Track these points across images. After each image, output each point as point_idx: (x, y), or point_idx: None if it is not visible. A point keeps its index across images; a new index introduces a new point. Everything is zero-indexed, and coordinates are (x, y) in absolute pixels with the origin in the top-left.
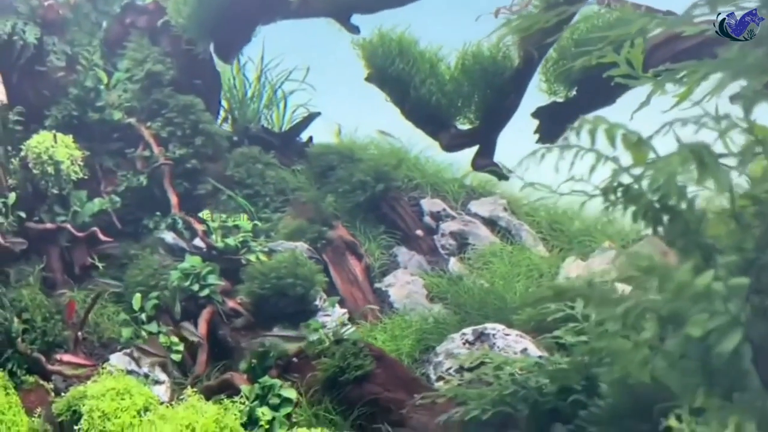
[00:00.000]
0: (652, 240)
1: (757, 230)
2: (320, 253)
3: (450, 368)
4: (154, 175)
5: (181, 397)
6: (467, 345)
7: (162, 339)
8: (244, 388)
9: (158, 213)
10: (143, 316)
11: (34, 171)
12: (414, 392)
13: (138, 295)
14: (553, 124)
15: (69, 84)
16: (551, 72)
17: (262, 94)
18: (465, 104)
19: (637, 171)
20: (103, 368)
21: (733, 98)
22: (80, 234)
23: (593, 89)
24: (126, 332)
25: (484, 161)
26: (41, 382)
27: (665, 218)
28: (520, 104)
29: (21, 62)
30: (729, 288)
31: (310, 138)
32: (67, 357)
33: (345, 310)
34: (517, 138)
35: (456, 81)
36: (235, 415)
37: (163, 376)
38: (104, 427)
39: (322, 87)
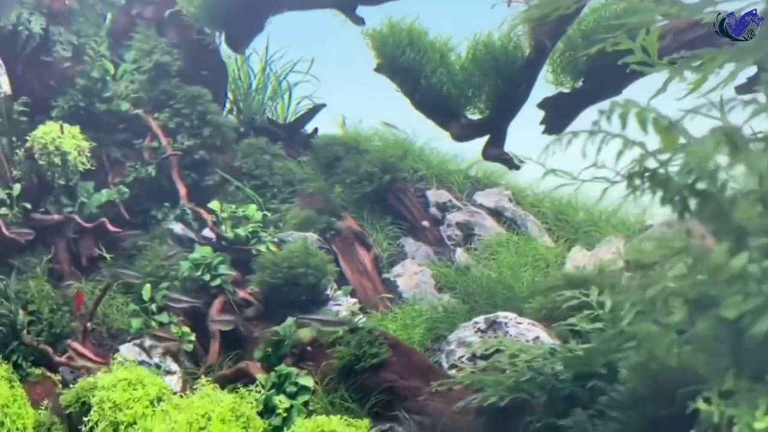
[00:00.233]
0: (656, 230)
1: None
2: (329, 243)
3: (462, 356)
4: (162, 166)
5: (195, 387)
6: (479, 333)
7: (173, 329)
8: (260, 376)
9: (167, 204)
10: (153, 307)
11: (40, 162)
12: (429, 380)
13: (148, 286)
14: (559, 115)
15: (75, 75)
16: (558, 63)
17: (266, 86)
18: (475, 94)
19: (664, 155)
20: (114, 359)
21: (738, 88)
22: (88, 225)
23: (600, 80)
24: (136, 323)
25: (495, 151)
26: (48, 374)
27: (695, 202)
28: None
29: (26, 52)
30: (763, 270)
31: (315, 129)
32: (76, 344)
33: (355, 300)
34: (522, 129)
35: (466, 71)
36: (251, 403)
37: (174, 366)
38: (115, 418)
39: (325, 78)
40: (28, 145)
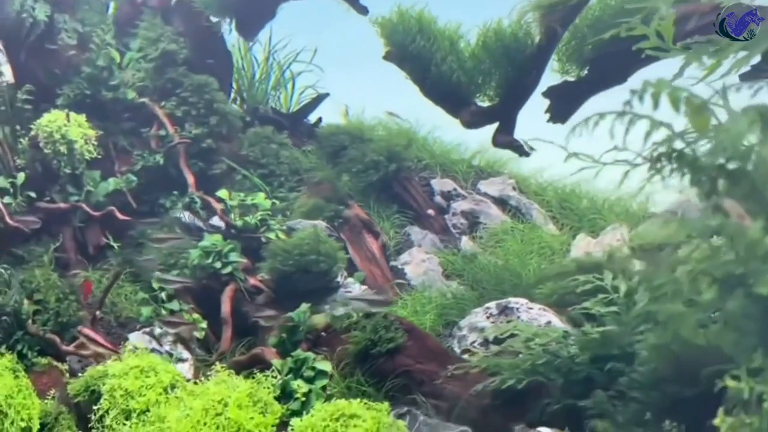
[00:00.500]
0: (660, 217)
1: None
2: (338, 231)
3: (475, 341)
4: (169, 154)
5: (209, 373)
6: (491, 319)
7: (185, 317)
8: (276, 362)
9: (175, 192)
10: (163, 295)
11: (45, 150)
12: (445, 364)
13: (157, 274)
14: (564, 104)
15: (81, 63)
16: (563, 51)
17: (269, 75)
18: (485, 81)
19: (693, 136)
20: (125, 347)
21: (743, 76)
22: (96, 213)
23: (606, 68)
24: (146, 311)
25: (505, 138)
26: (55, 363)
27: (725, 182)
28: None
29: (30, 40)
30: None
31: (320, 119)
32: (87, 330)
33: (365, 287)
34: (526, 117)
35: (476, 58)
36: (267, 388)
37: (186, 354)
38: (127, 406)
39: (326, 68)
40: (32, 133)
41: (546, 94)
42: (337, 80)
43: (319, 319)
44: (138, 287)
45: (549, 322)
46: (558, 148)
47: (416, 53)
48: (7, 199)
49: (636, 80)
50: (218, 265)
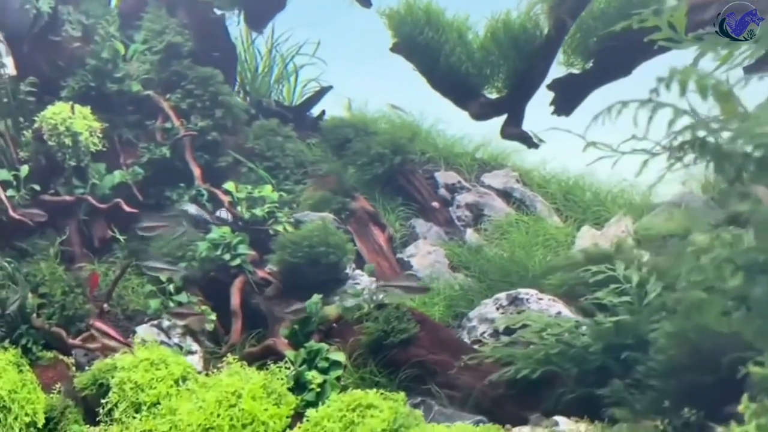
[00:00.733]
0: (664, 208)
1: None
2: (344, 223)
3: (485, 332)
4: (174, 147)
5: (220, 365)
6: (501, 310)
7: (194, 309)
8: (289, 353)
9: (182, 185)
10: (171, 288)
11: (50, 143)
12: (458, 355)
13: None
14: (568, 96)
15: (85, 55)
16: (569, 43)
17: (272, 68)
18: (493, 73)
19: (718, 123)
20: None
21: (746, 69)
22: (103, 206)
23: (610, 60)
24: (154, 303)
25: (514, 129)
26: (60, 357)
27: (752, 169)
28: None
29: (34, 31)
30: None
31: (323, 112)
32: (99, 324)
33: (373, 279)
34: (530, 109)
35: (485, 50)
36: (281, 380)
37: (195, 346)
38: (137, 399)
39: (328, 61)
40: (36, 125)
41: (551, 86)
42: (339, 73)
43: (331, 311)
44: (145, 280)
45: (559, 313)
46: (560, 142)
47: (424, 45)
48: (10, 192)
49: (640, 72)
50: (227, 257)
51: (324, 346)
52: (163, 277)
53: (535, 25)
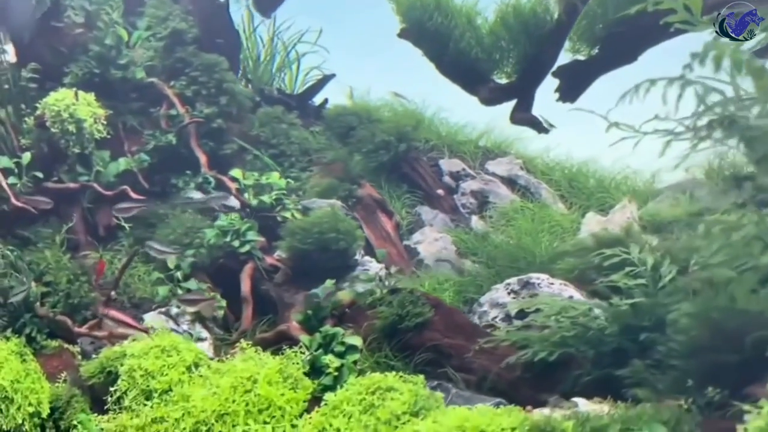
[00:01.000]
0: (668, 194)
1: None
2: (352, 210)
3: (496, 317)
4: (180, 134)
5: (233, 351)
6: (512, 294)
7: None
8: (304, 337)
9: (188, 172)
10: (179, 275)
11: (53, 130)
12: (473, 338)
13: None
14: (574, 83)
15: (88, 41)
16: (574, 30)
17: (274, 56)
18: (503, 58)
19: (747, 102)
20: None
21: (757, 53)
22: (109, 193)
23: (616, 47)
24: (162, 290)
25: (523, 115)
26: (66, 345)
27: None
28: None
29: (36, 17)
30: None
31: (326, 100)
32: (114, 312)
33: (382, 265)
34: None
35: (494, 35)
36: (297, 364)
37: (205, 333)
38: (148, 386)
39: (330, 49)
40: (38, 112)
41: (556, 73)
42: (340, 62)
43: (344, 296)
44: (151, 267)
45: (571, 297)
46: (564, 129)
47: (434, 30)
48: (11, 180)
49: (646, 58)
50: (236, 243)
51: (340, 330)
52: (170, 264)
53: (545, 10)
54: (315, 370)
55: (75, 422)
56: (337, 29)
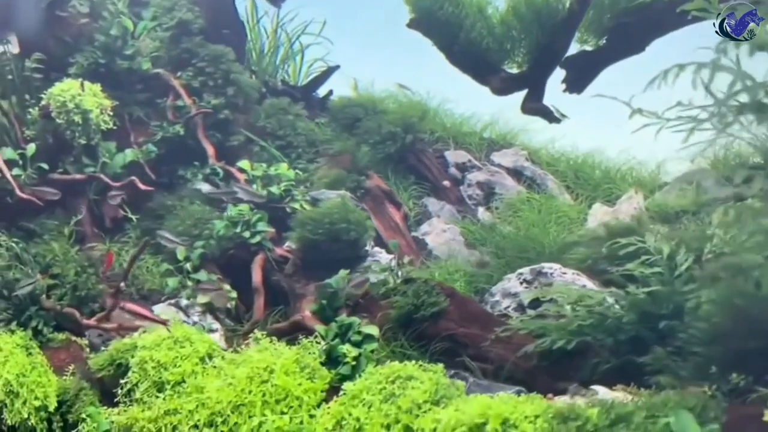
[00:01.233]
0: (675, 185)
1: None
2: (360, 201)
3: (508, 307)
4: (187, 125)
5: (247, 342)
6: (525, 284)
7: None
8: (319, 327)
9: (196, 163)
10: (188, 266)
11: (58, 120)
12: (487, 327)
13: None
14: (581, 74)
15: (93, 31)
16: (582, 21)
17: (278, 48)
18: (513, 47)
19: None
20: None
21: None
22: (116, 184)
23: (623, 37)
24: (172, 282)
25: (534, 104)
26: (73, 338)
27: None
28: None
29: (41, 7)
30: None
31: (330, 91)
32: (131, 304)
33: (393, 256)
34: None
35: (506, 24)
36: (313, 354)
37: (216, 324)
38: (160, 378)
39: (334, 40)
40: (43, 103)
41: (563, 64)
42: (344, 54)
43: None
44: (159, 259)
45: (584, 286)
46: (568, 120)
47: (444, 20)
48: (16, 171)
49: (653, 49)
50: (247, 234)
51: (356, 319)
52: (180, 256)
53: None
54: (331, 359)
55: (84, 415)
56: (341, 21)
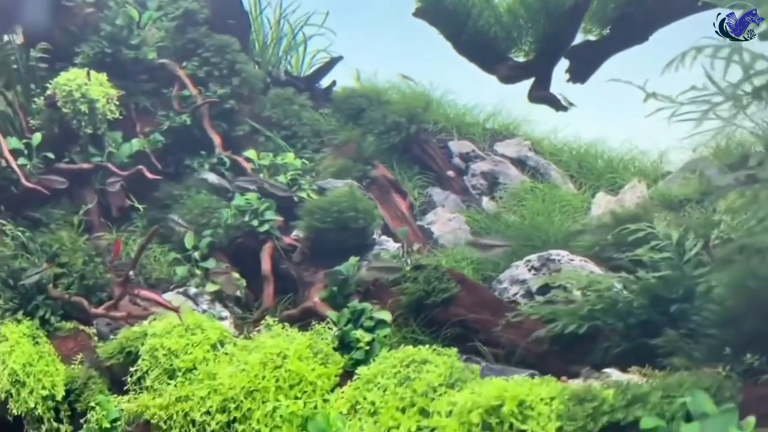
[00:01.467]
0: (678, 174)
1: None
2: (366, 191)
3: (517, 293)
4: (192, 115)
5: (258, 328)
6: (533, 271)
7: None
8: (331, 313)
9: (203, 152)
10: (197, 255)
11: (64, 110)
12: (498, 313)
13: (190, 234)
14: (584, 64)
15: (98, 21)
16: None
17: (281, 39)
18: (520, 36)
19: None
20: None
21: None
22: (124, 173)
23: (627, 27)
24: (181, 270)
25: (541, 93)
26: (81, 327)
27: None
28: None
29: None
30: None
31: (333, 82)
32: (145, 291)
33: (399, 244)
34: None
35: (513, 13)
36: (325, 340)
37: (225, 312)
38: (171, 365)
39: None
40: (49, 92)
41: (567, 54)
42: (346, 44)
43: (368, 272)
44: (167, 248)
45: (592, 272)
46: (571, 110)
47: (451, 9)
48: (21, 161)
49: (656, 39)
50: (255, 223)
51: (368, 305)
52: (188, 244)
53: None
54: (344, 345)
55: (93, 404)
56: (343, 12)
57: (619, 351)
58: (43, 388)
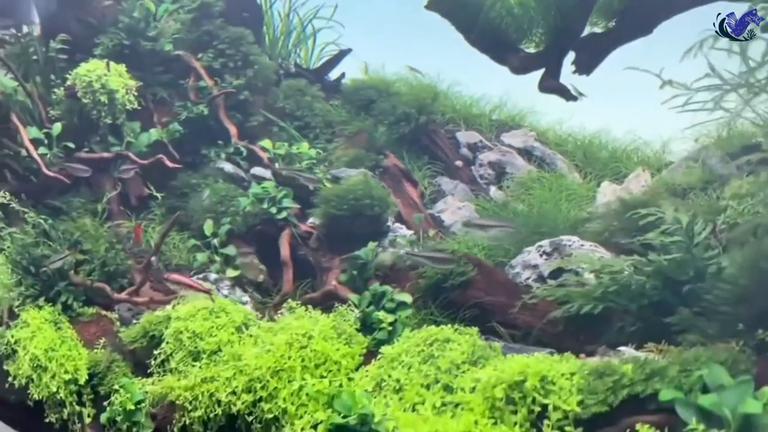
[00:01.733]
0: (682, 164)
1: None
2: (379, 180)
3: (529, 278)
4: (210, 105)
5: (279, 312)
6: (545, 256)
7: None
8: (352, 296)
9: (220, 142)
10: (216, 242)
11: (84, 100)
12: (513, 296)
13: (210, 221)
14: (590, 56)
15: (116, 13)
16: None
17: (291, 31)
18: (531, 28)
19: None
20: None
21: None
22: (143, 162)
23: (633, 19)
24: (201, 257)
25: (552, 83)
26: (103, 312)
27: None
28: None
29: None
30: None
31: (343, 74)
32: (175, 275)
33: (412, 231)
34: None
35: (524, 5)
36: (348, 321)
37: (246, 297)
38: (195, 347)
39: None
40: (68, 83)
41: (573, 46)
42: (354, 37)
43: (386, 257)
44: (186, 235)
45: (602, 257)
46: (573, 102)
47: (464, 1)
48: (42, 150)
49: (661, 30)
50: (273, 210)
51: (389, 288)
52: (207, 231)
53: None
54: (366, 326)
55: (117, 386)
56: (352, 4)
57: (634, 330)
58: (66, 372)
